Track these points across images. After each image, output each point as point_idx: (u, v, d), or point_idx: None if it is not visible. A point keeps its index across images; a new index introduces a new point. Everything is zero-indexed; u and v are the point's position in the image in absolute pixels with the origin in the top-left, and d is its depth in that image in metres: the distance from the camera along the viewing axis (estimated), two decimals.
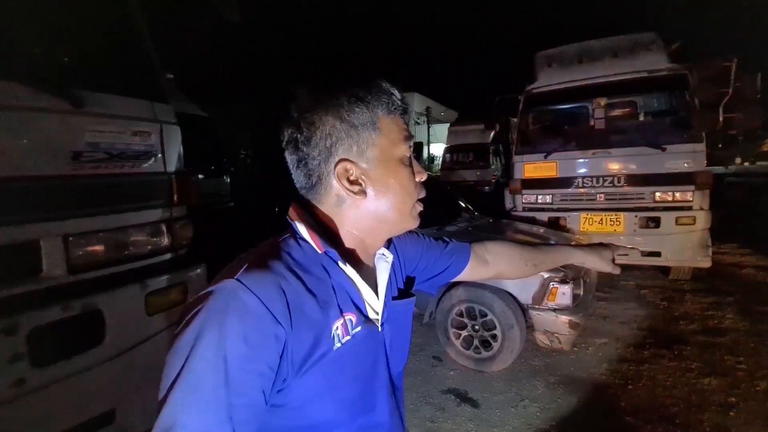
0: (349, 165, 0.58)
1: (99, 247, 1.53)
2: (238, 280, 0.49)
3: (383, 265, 0.67)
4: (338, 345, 0.54)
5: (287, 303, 0.50)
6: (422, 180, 0.65)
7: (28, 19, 1.40)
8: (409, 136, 0.63)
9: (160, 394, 0.44)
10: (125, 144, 1.58)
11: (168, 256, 1.80)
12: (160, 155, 1.74)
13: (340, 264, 0.58)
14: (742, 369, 2.64)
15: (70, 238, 1.44)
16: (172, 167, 1.80)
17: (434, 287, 0.88)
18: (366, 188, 0.59)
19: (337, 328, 0.55)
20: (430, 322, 3.04)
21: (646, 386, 2.53)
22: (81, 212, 1.47)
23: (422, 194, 0.65)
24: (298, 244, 0.58)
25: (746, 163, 13.02)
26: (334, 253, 0.57)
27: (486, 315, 2.70)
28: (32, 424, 1.32)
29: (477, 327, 2.75)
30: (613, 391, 2.50)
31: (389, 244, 0.71)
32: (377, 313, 0.63)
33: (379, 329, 0.63)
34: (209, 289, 0.49)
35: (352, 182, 0.59)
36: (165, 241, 1.78)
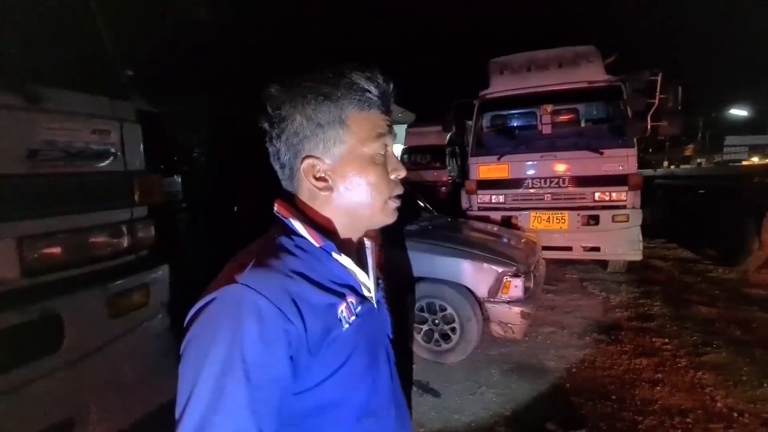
0: (314, 161, 0.60)
1: (56, 249, 1.46)
2: (244, 284, 0.50)
3: (367, 251, 0.72)
4: (346, 326, 0.58)
5: (294, 299, 0.52)
6: (400, 176, 0.66)
7: None
8: (385, 134, 0.63)
9: (180, 401, 0.47)
10: (84, 142, 1.53)
11: (130, 257, 1.75)
12: (120, 154, 1.69)
13: (335, 255, 0.61)
14: (667, 349, 2.99)
15: (25, 240, 1.38)
16: (132, 166, 1.76)
17: None
18: (332, 185, 0.61)
19: (341, 311, 0.58)
20: None
21: (587, 369, 2.79)
22: (36, 213, 1.41)
23: (398, 191, 0.66)
24: (292, 239, 0.60)
25: (672, 167, 14.43)
26: (330, 245, 0.60)
27: (445, 309, 2.85)
28: None
29: (437, 321, 2.89)
30: (560, 374, 2.74)
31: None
32: (370, 292, 0.67)
33: (375, 306, 0.67)
34: (213, 295, 0.51)
35: (318, 179, 0.61)
36: (126, 242, 1.73)
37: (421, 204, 4.21)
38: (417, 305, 2.95)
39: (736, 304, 3.82)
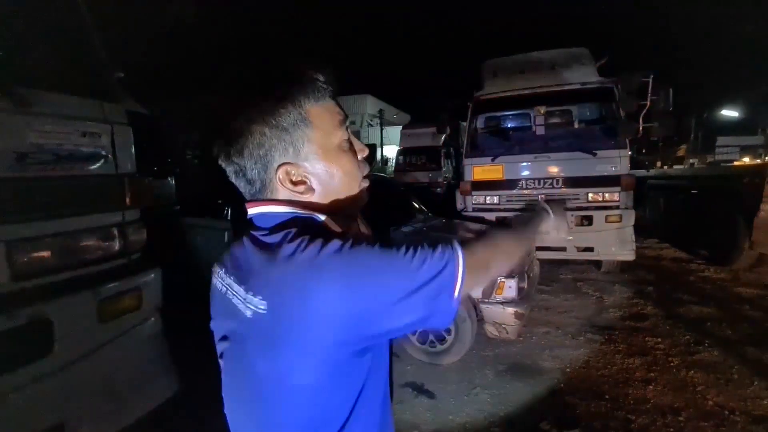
0: (289, 167, 0.57)
1: (46, 253, 1.45)
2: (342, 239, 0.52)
3: None
4: None
5: None
6: (365, 155, 0.66)
7: None
8: (344, 119, 0.62)
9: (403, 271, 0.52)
10: (74, 145, 1.51)
11: (121, 261, 1.74)
12: (111, 157, 1.68)
13: None
14: (659, 348, 3.01)
15: (14, 244, 1.36)
16: (123, 169, 1.74)
17: None
18: (312, 184, 0.59)
19: None
20: None
21: (581, 368, 2.80)
22: (26, 217, 1.39)
23: (366, 170, 0.66)
24: (324, 226, 0.59)
25: (665, 167, 14.57)
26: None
27: None
28: None
29: None
30: (555, 374, 2.75)
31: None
32: None
33: None
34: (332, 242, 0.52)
35: (296, 183, 0.58)
36: (117, 245, 1.72)
37: (416, 205, 4.22)
38: None
39: (727, 303, 3.86)
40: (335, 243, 0.51)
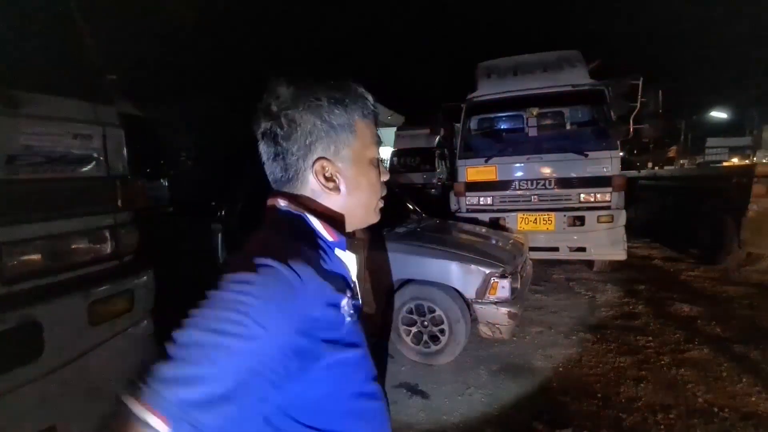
0: (326, 163, 0.63)
1: (36, 256, 1.44)
2: (282, 262, 0.52)
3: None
4: (348, 319, 0.60)
5: (318, 284, 0.55)
6: (386, 180, 0.73)
7: None
8: (379, 141, 0.70)
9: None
10: (65, 147, 1.51)
11: (112, 263, 1.73)
12: (102, 159, 1.67)
13: (339, 251, 0.64)
14: (650, 347, 3.05)
15: (4, 247, 1.35)
16: (115, 171, 1.73)
17: None
18: (340, 185, 0.65)
19: (345, 304, 0.60)
20: None
21: (574, 368, 2.83)
22: (16, 219, 1.38)
23: (384, 192, 0.73)
24: (311, 231, 0.62)
25: (656, 168, 14.72)
26: (343, 241, 0.64)
27: (434, 311, 2.86)
28: None
29: (426, 323, 2.91)
30: (547, 373, 2.77)
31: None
32: (356, 287, 0.71)
33: (360, 303, 0.71)
34: (251, 264, 0.52)
35: (327, 179, 0.64)
36: (109, 248, 1.70)
37: (410, 206, 4.23)
38: (406, 307, 2.97)
39: (717, 302, 3.92)
40: (243, 278, 0.50)
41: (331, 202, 0.65)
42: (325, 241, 0.63)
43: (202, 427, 0.42)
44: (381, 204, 0.73)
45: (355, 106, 0.64)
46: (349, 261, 0.66)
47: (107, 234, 1.70)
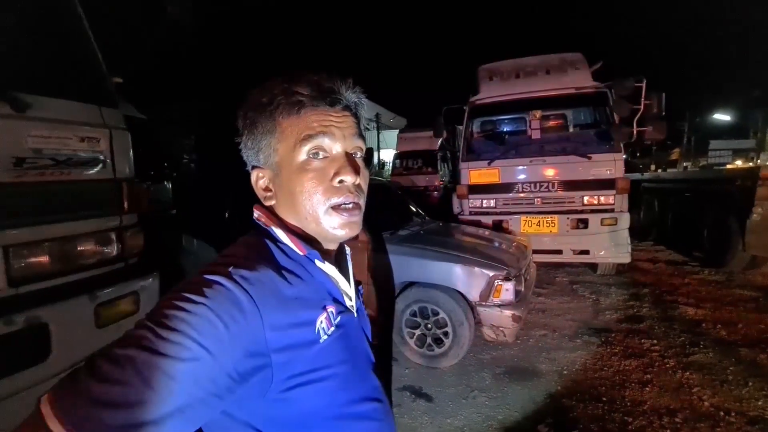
0: (257, 171, 0.61)
1: (43, 258, 1.45)
2: (232, 275, 0.49)
3: (346, 257, 0.71)
4: (325, 338, 0.55)
5: (274, 303, 0.51)
6: (345, 182, 0.59)
7: None
8: (315, 134, 0.57)
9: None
10: (72, 150, 1.52)
11: (118, 265, 1.73)
12: (109, 162, 1.68)
13: (318, 263, 0.60)
14: (655, 350, 3.03)
15: (11, 249, 1.36)
16: (122, 174, 1.74)
17: None
18: (275, 195, 0.61)
19: (321, 322, 0.56)
20: None
21: (578, 371, 2.81)
22: (23, 221, 1.39)
23: (337, 199, 0.58)
24: (277, 246, 0.59)
25: (659, 170, 14.69)
26: (314, 253, 0.59)
27: (438, 314, 2.86)
28: None
29: (429, 326, 2.90)
30: (552, 377, 2.76)
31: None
32: (351, 300, 0.65)
33: (355, 315, 0.65)
34: (197, 278, 0.49)
35: (264, 189, 0.62)
36: (115, 250, 1.71)
37: (413, 208, 4.23)
38: (409, 310, 2.96)
39: (722, 304, 3.89)
40: (190, 296, 0.46)
41: (284, 213, 0.61)
42: (295, 254, 0.59)
43: None
44: (340, 217, 0.59)
45: (281, 105, 0.57)
46: (333, 272, 0.61)
47: (113, 236, 1.71)
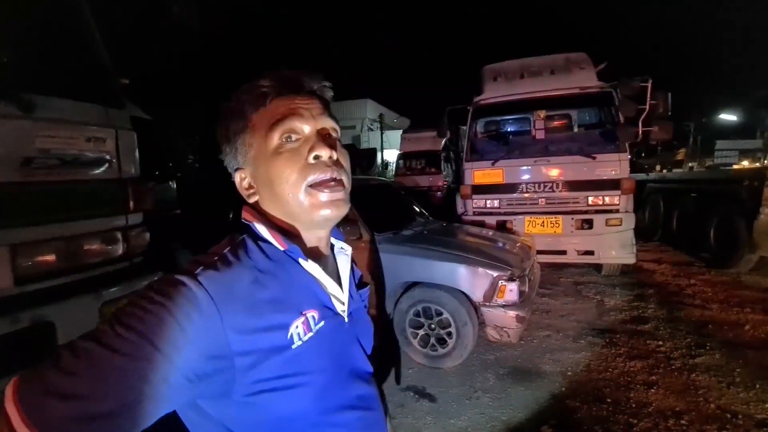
0: (240, 173, 0.62)
1: (50, 257, 1.46)
2: (196, 276, 0.49)
3: (343, 257, 0.68)
4: (298, 343, 0.54)
5: (239, 305, 0.50)
6: (322, 155, 0.57)
7: None
8: (284, 117, 0.58)
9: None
10: (79, 150, 1.53)
11: (123, 264, 1.74)
12: (115, 161, 1.69)
13: (301, 261, 0.58)
14: (661, 351, 3.01)
15: (18, 248, 1.37)
16: (127, 173, 1.76)
17: None
18: (258, 190, 0.61)
19: (296, 327, 0.54)
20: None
21: (583, 372, 2.80)
22: (30, 220, 1.40)
23: (314, 175, 0.57)
24: (257, 245, 0.57)
25: (664, 171, 14.58)
26: (295, 249, 0.57)
27: (441, 314, 2.85)
28: None
29: (433, 326, 2.89)
30: (556, 378, 2.74)
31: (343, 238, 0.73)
32: (343, 304, 0.63)
33: (346, 320, 0.63)
34: (163, 277, 0.50)
35: (247, 188, 0.62)
36: (120, 249, 1.72)
37: (417, 209, 4.23)
38: (413, 310, 2.96)
39: (728, 306, 3.86)
40: (152, 295, 0.47)
41: (268, 206, 0.61)
42: (276, 253, 0.58)
43: None
44: (323, 195, 0.58)
45: (248, 101, 0.59)
46: (318, 273, 0.60)
47: (119, 235, 1.72)
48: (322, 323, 0.57)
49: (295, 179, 0.57)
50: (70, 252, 1.52)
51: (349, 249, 0.70)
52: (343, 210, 0.60)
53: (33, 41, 1.51)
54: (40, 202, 1.43)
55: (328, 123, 0.60)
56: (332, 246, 0.69)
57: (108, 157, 1.65)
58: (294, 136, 0.58)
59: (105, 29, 1.79)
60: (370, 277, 3.00)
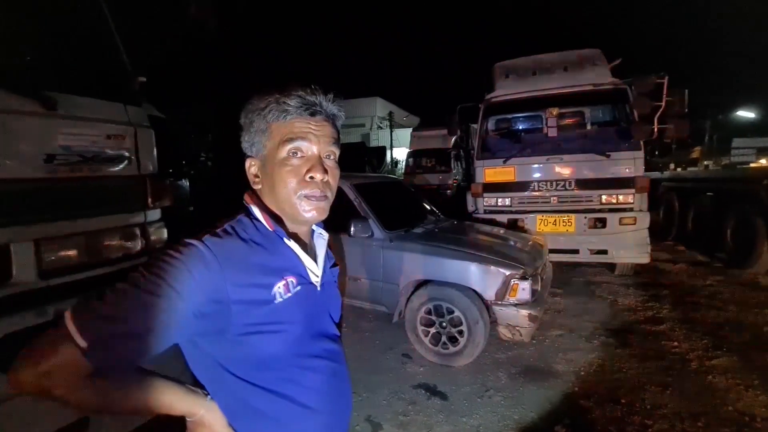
0: (250, 161, 0.76)
1: (72, 252, 1.49)
2: (201, 241, 0.65)
3: (320, 241, 0.84)
4: (279, 300, 0.69)
5: (236, 263, 0.66)
6: (314, 177, 0.72)
7: None
8: (295, 137, 0.71)
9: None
10: (99, 147, 1.56)
11: (142, 259, 1.77)
12: (134, 158, 1.72)
13: (285, 239, 0.74)
14: (676, 352, 2.96)
15: (42, 243, 1.40)
16: (146, 170, 1.78)
17: None
18: (262, 182, 0.76)
19: (278, 287, 0.69)
20: (400, 321, 3.14)
21: (596, 372, 2.77)
22: (53, 216, 1.43)
23: (306, 190, 0.72)
24: (252, 223, 0.73)
25: (679, 169, 14.31)
26: (280, 230, 0.73)
27: (453, 312, 2.85)
28: None
29: (444, 324, 2.89)
30: (569, 377, 2.72)
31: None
32: (317, 276, 0.79)
33: (318, 288, 0.78)
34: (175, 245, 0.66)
35: (254, 175, 0.77)
36: (139, 245, 1.75)
37: (427, 207, 4.22)
38: (424, 308, 2.96)
39: (746, 307, 3.78)
40: (170, 252, 0.64)
41: (266, 197, 0.76)
42: (266, 230, 0.73)
43: (113, 351, 0.57)
44: (308, 204, 0.73)
45: (272, 111, 0.71)
46: (297, 249, 0.75)
47: (138, 231, 1.75)
48: (299, 288, 0.73)
49: (292, 188, 0.72)
50: (91, 247, 1.55)
51: (326, 235, 0.86)
52: (323, 216, 0.76)
53: (53, 41, 1.54)
54: (63, 198, 1.47)
55: (329, 148, 0.75)
56: (313, 232, 0.85)
57: (127, 153, 1.68)
58: (300, 153, 0.72)
59: (120, 27, 1.82)
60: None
